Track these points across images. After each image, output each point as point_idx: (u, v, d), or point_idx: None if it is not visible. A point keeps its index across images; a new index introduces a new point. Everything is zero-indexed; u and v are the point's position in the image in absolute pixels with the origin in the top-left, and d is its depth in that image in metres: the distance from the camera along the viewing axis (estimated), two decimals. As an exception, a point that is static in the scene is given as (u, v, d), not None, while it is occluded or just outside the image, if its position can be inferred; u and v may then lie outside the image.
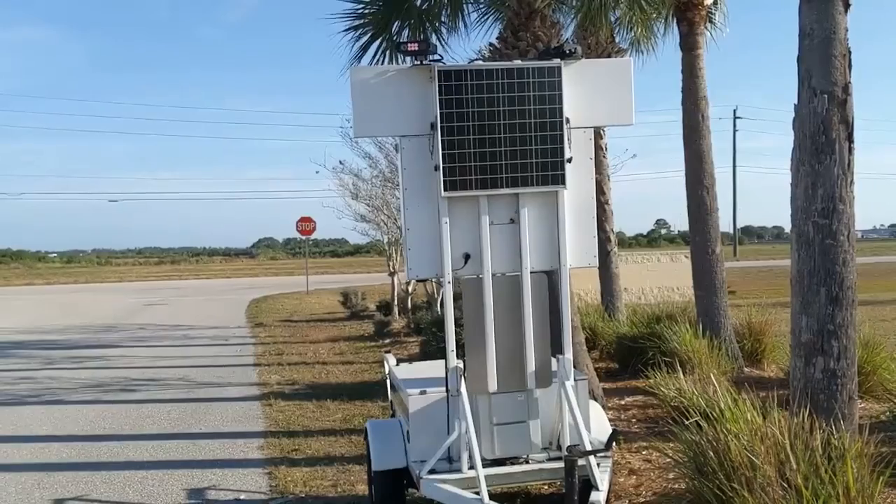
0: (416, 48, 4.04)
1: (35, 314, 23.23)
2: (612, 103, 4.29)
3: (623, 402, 7.66)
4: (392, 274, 19.07)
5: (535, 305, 4.22)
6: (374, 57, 7.77)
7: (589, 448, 3.97)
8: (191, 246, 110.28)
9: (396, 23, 7.74)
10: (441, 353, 8.24)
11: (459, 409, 4.08)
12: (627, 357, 9.14)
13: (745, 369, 8.84)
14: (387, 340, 14.35)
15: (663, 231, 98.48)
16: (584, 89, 4.23)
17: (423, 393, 4.39)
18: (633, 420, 7.01)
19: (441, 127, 4.02)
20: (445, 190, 4.05)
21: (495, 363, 4.20)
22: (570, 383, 4.20)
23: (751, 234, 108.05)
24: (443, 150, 4.02)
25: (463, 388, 4.10)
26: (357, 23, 7.79)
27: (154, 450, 6.87)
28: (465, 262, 4.16)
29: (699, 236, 9.26)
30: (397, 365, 5.40)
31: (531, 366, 4.23)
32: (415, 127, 4.11)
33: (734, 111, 58.12)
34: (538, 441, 4.30)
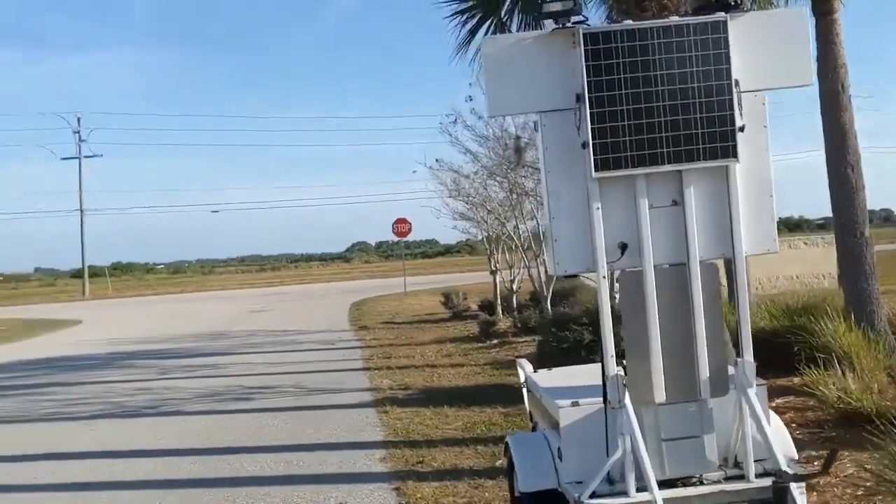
0: (558, 8, 3.52)
1: (147, 324, 23.88)
2: (787, 61, 3.66)
3: (774, 405, 6.91)
4: (493, 272, 18.59)
5: (707, 300, 3.63)
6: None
7: (786, 469, 3.36)
8: (289, 252, 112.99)
9: (507, 2, 7.22)
10: (564, 355, 7.62)
11: (622, 422, 3.54)
12: (768, 354, 8.31)
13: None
14: (494, 341, 13.89)
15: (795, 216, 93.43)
16: (754, 46, 3.61)
17: (575, 404, 3.87)
18: (793, 425, 6.28)
19: (589, 98, 3.48)
20: (596, 170, 3.51)
21: (662, 369, 3.64)
22: (752, 391, 3.60)
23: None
24: (592, 124, 3.49)
25: (627, 399, 3.55)
26: (464, 6, 7.32)
27: (274, 463, 6.60)
28: (623, 253, 3.61)
29: (844, 217, 8.36)
30: (535, 371, 4.88)
31: (704, 371, 3.64)
32: (557, 100, 3.59)
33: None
34: (714, 458, 3.71)
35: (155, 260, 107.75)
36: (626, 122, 3.51)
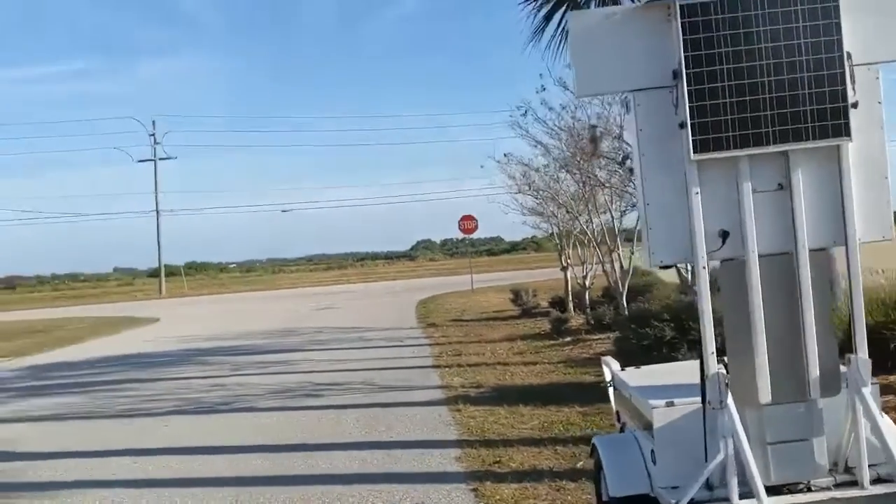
0: (651, -20, 3.28)
1: (221, 322, 24.31)
2: None
3: (873, 405, 6.48)
4: (564, 268, 18.25)
5: (817, 292, 3.34)
6: (558, 26, 7.03)
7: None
8: (355, 251, 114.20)
9: (584, -15, 6.95)
10: (644, 352, 7.29)
11: (723, 424, 3.28)
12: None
13: None
14: (567, 339, 13.57)
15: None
16: (867, 15, 3.30)
17: (669, 404, 3.63)
18: (897, 427, 5.85)
19: (687, 74, 3.23)
20: (695, 151, 3.25)
21: (767, 367, 3.36)
22: (867, 390, 3.29)
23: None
24: (690, 102, 3.23)
25: (729, 400, 3.29)
26: (538, -9, 7.07)
27: (348, 461, 6.50)
28: (724, 242, 3.34)
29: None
30: (622, 369, 4.63)
31: (814, 369, 3.35)
32: (652, 78, 3.35)
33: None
34: (824, 463, 3.42)
35: (227, 259, 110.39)
36: (727, 100, 3.25)
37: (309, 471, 6.31)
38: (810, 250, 3.34)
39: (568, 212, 15.12)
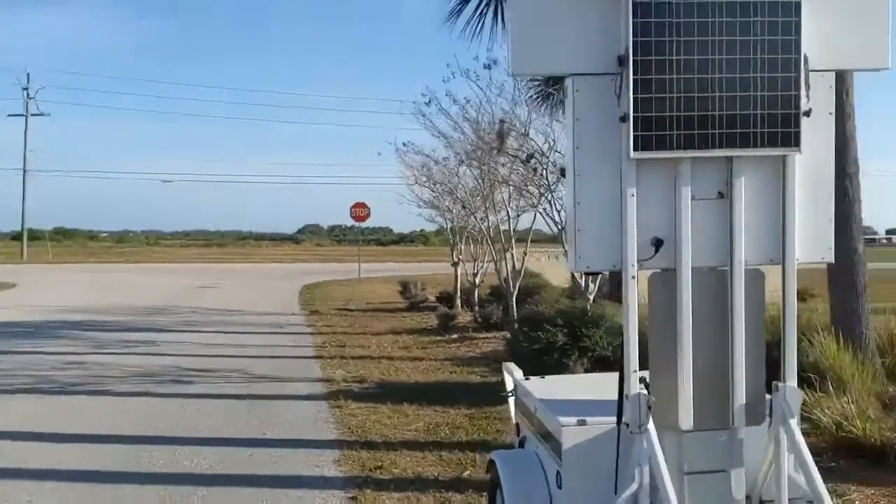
0: (604, -49, 2.92)
1: (86, 293, 22.67)
2: (862, 39, 3.12)
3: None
4: (455, 264, 18.00)
5: (750, 313, 3.08)
6: (476, 9, 6.62)
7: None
8: (236, 230, 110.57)
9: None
10: (536, 356, 6.97)
11: (640, 450, 2.97)
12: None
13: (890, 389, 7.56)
14: (453, 335, 13.31)
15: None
16: (826, 17, 3.07)
17: (581, 423, 3.30)
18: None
19: (634, 62, 2.89)
20: (636, 149, 2.92)
21: (691, 390, 3.07)
22: (794, 422, 3.07)
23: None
24: (635, 93, 2.90)
25: (650, 424, 2.98)
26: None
27: (214, 458, 5.90)
28: (657, 251, 3.03)
29: (838, 231, 7.92)
30: (526, 379, 4.28)
31: (741, 396, 3.09)
32: (595, 62, 2.99)
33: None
34: (740, 496, 3.18)
35: (100, 228, 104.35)
36: (674, 95, 2.93)
37: (169, 468, 5.68)
38: (746, 266, 3.08)
39: (464, 207, 14.84)
